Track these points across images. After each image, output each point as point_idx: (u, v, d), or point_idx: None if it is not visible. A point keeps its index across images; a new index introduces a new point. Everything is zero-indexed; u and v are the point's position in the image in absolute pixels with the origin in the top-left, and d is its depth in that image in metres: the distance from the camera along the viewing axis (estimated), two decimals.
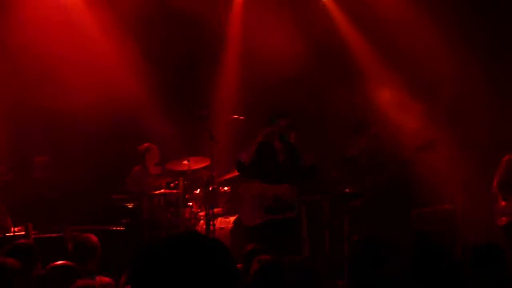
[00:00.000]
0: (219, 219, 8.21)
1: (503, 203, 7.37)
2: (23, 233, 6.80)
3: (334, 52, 9.20)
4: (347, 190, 7.94)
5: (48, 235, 7.19)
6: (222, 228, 8.10)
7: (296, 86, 9.14)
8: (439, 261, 3.89)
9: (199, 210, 8.34)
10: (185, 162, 8.29)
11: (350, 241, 4.33)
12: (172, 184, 8.25)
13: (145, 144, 8.57)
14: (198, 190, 8.44)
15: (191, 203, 8.30)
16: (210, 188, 7.99)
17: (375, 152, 8.03)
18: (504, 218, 7.32)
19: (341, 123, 8.88)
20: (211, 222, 7.84)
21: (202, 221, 8.18)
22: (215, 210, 8.09)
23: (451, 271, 3.85)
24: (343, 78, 9.26)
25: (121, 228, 7.96)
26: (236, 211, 8.01)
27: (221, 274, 1.76)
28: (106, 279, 4.95)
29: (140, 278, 1.75)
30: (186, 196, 8.09)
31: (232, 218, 8.24)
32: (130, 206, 8.16)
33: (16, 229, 6.99)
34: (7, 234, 7.08)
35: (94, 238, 5.38)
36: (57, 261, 4.45)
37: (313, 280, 3.30)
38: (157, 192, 8.01)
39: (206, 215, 7.91)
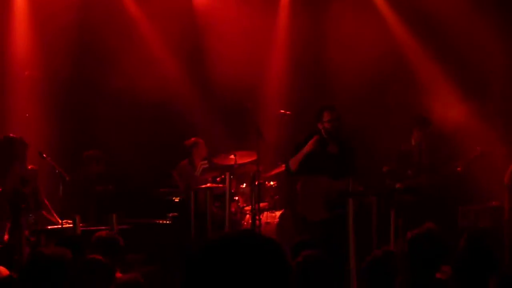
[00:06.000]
0: (265, 213, 8.19)
1: None
2: (71, 225, 6.90)
3: (385, 48, 9.06)
4: (398, 185, 7.82)
5: (96, 227, 7.28)
6: (268, 223, 8.08)
7: (345, 80, 9.02)
8: (487, 261, 3.80)
9: (245, 205, 8.34)
10: (232, 156, 8.29)
11: (406, 238, 4.29)
12: (218, 179, 8.26)
13: (192, 139, 8.60)
14: (244, 184, 8.43)
15: (237, 198, 8.31)
16: (256, 183, 7.96)
17: (430, 150, 7.91)
18: None
19: (392, 118, 8.76)
20: (257, 217, 7.82)
21: (248, 216, 8.17)
22: (261, 204, 8.07)
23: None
24: (395, 73, 9.13)
25: (168, 222, 8.02)
26: (293, 206, 7.89)
27: (275, 276, 1.76)
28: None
29: (195, 276, 1.76)
30: (232, 191, 8.08)
31: (278, 213, 8.21)
32: (177, 200, 8.21)
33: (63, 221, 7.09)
34: (55, 227, 7.21)
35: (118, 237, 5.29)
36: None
37: (332, 274, 3.27)
38: (204, 186, 8.04)
39: (252, 209, 7.90)
